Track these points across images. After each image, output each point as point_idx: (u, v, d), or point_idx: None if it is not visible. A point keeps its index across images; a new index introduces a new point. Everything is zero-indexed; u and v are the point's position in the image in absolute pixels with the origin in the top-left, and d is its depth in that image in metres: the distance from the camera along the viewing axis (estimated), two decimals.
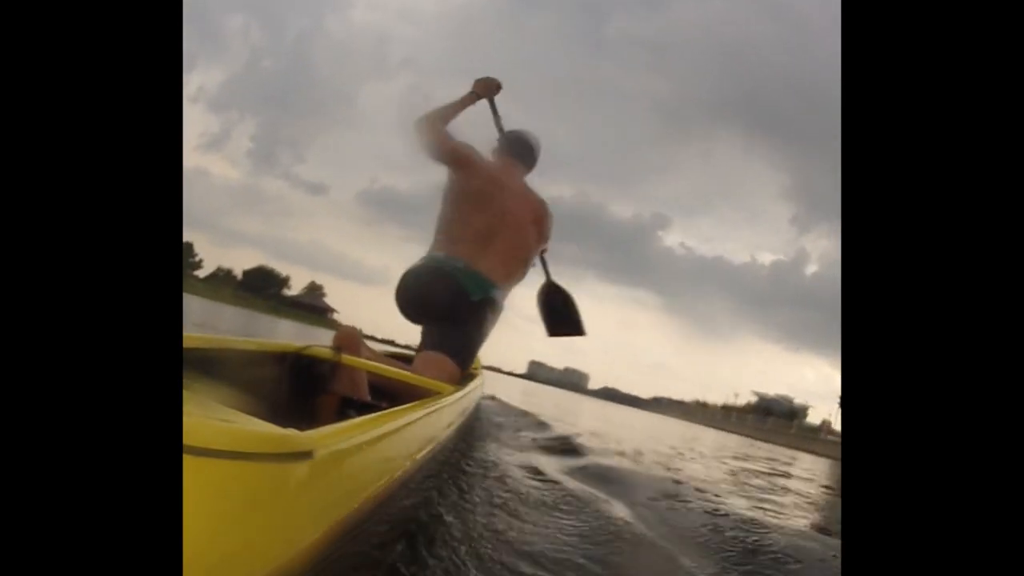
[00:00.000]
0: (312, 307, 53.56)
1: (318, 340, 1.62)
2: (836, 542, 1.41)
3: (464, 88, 2.11)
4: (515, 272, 2.05)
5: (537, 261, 2.36)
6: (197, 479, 0.40)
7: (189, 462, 0.40)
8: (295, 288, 60.38)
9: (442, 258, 1.91)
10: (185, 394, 0.46)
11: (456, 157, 1.97)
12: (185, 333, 0.99)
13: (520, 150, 2.20)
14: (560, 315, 2.45)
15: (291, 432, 0.52)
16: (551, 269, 2.42)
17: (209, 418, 0.47)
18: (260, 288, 54.87)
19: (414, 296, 1.92)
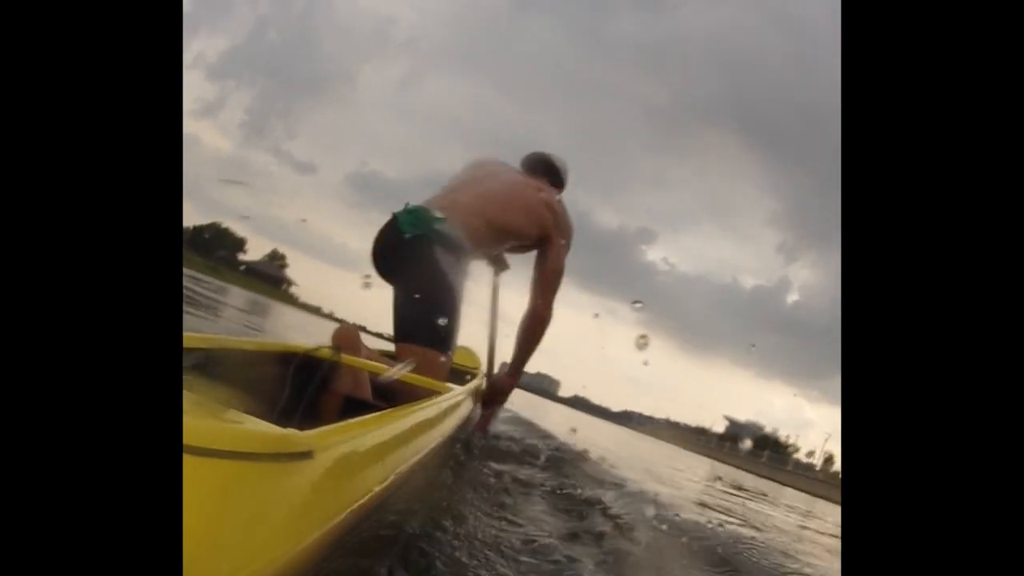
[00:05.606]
0: (265, 275, 47.99)
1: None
2: None
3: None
4: (478, 224, 1.76)
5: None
6: (197, 479, 0.40)
7: (189, 462, 0.40)
8: (256, 255, 54.22)
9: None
10: (185, 394, 0.46)
11: None
12: (185, 333, 0.99)
13: (542, 168, 2.13)
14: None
15: (291, 432, 0.52)
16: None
17: (209, 418, 0.47)
18: (209, 248, 49.12)
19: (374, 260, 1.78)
